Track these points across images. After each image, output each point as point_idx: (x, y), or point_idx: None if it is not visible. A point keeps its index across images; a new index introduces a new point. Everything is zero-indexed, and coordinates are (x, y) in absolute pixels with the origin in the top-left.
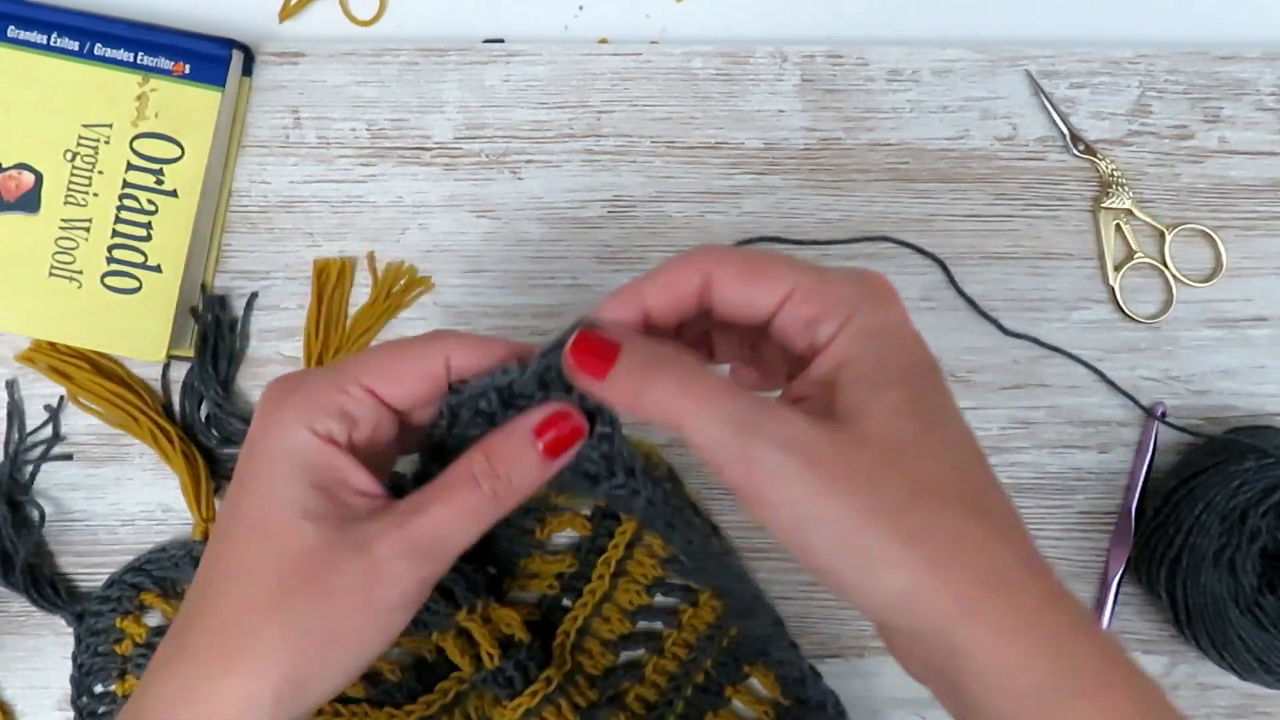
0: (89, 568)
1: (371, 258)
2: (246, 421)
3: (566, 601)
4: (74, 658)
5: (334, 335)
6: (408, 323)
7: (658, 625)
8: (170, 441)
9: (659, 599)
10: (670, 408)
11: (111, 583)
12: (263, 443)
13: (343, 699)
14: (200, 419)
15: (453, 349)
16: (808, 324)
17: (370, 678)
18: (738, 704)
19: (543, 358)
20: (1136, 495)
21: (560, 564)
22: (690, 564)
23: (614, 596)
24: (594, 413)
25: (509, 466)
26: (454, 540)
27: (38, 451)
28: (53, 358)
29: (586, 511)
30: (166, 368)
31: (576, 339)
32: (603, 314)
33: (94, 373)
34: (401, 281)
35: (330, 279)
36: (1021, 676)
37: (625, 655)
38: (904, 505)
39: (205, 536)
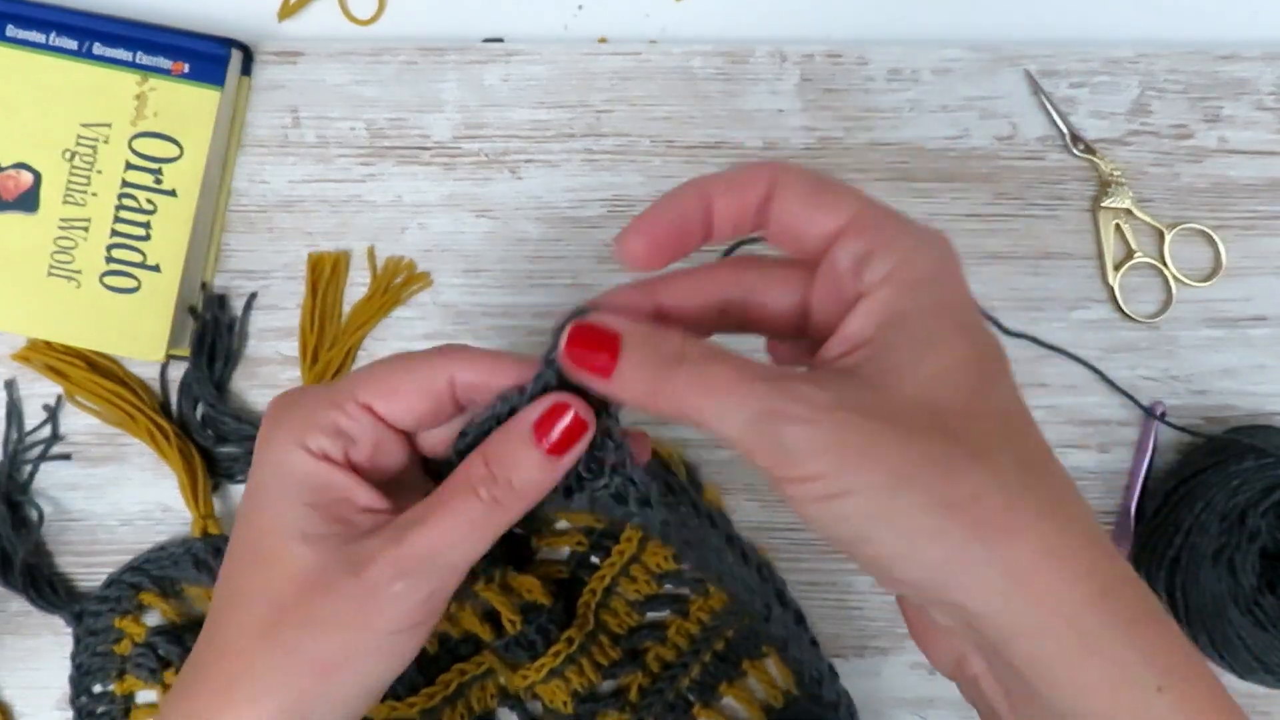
0: (88, 567)
1: (371, 252)
2: (240, 420)
3: (595, 559)
4: (73, 657)
5: (329, 329)
6: (405, 321)
7: (685, 591)
8: (167, 439)
9: (687, 567)
10: (687, 404)
11: (110, 582)
12: (259, 465)
13: None
14: (196, 418)
15: (457, 366)
16: (860, 260)
17: None
18: (753, 680)
19: (539, 377)
20: (1136, 495)
21: (589, 518)
22: (703, 574)
23: (642, 558)
24: (601, 404)
25: (508, 469)
26: (455, 554)
27: (36, 451)
28: (49, 356)
29: None
30: (165, 367)
31: (571, 333)
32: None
33: (91, 371)
34: (400, 277)
35: (325, 272)
36: (1090, 666)
37: (650, 615)
38: (947, 469)
39: (204, 534)
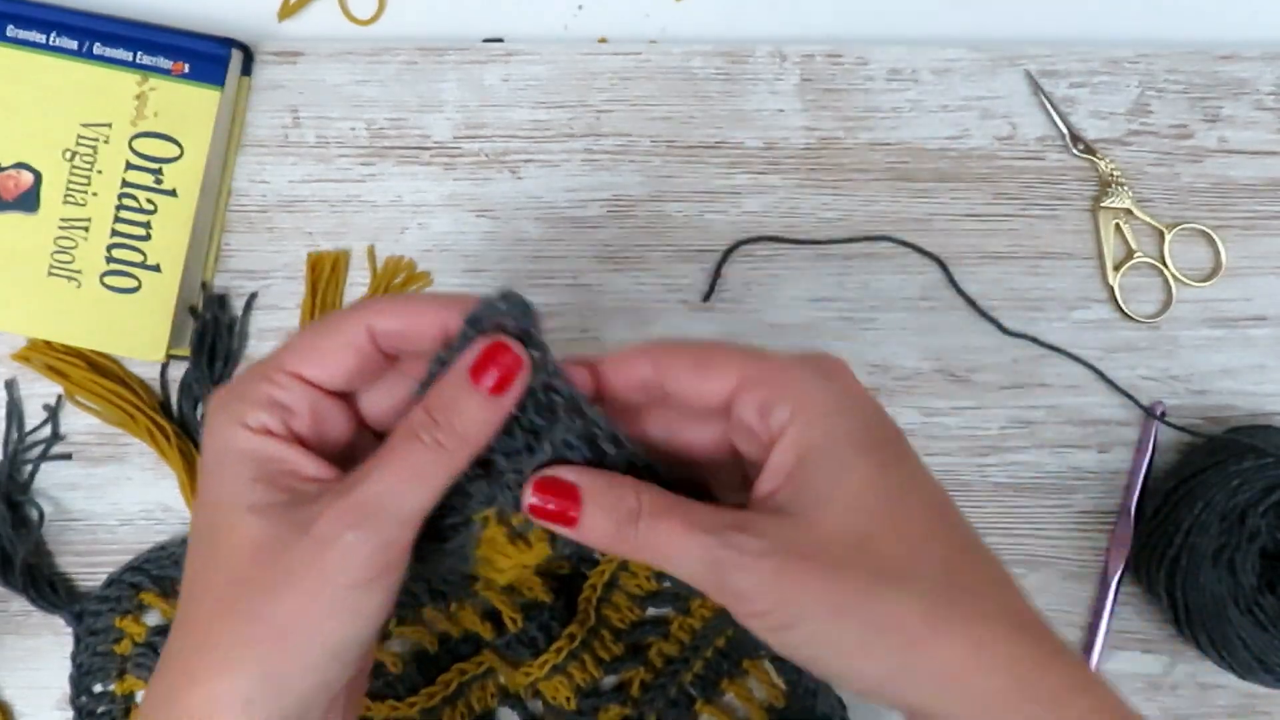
0: (88, 567)
1: (371, 251)
2: None
3: (597, 554)
4: (73, 657)
5: None
6: None
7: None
8: (167, 439)
9: None
10: (645, 555)
11: (110, 582)
12: (205, 450)
13: None
14: (197, 418)
15: (373, 316)
16: (761, 410)
17: (373, 670)
18: (754, 680)
19: (463, 334)
20: (1136, 495)
21: None
22: None
23: None
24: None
25: (450, 414)
26: (404, 502)
27: (37, 451)
28: (49, 356)
29: None
30: (165, 367)
31: (535, 485)
32: (568, 370)
33: (91, 371)
34: (400, 276)
35: (325, 272)
36: None
37: (652, 611)
38: (870, 595)
39: None
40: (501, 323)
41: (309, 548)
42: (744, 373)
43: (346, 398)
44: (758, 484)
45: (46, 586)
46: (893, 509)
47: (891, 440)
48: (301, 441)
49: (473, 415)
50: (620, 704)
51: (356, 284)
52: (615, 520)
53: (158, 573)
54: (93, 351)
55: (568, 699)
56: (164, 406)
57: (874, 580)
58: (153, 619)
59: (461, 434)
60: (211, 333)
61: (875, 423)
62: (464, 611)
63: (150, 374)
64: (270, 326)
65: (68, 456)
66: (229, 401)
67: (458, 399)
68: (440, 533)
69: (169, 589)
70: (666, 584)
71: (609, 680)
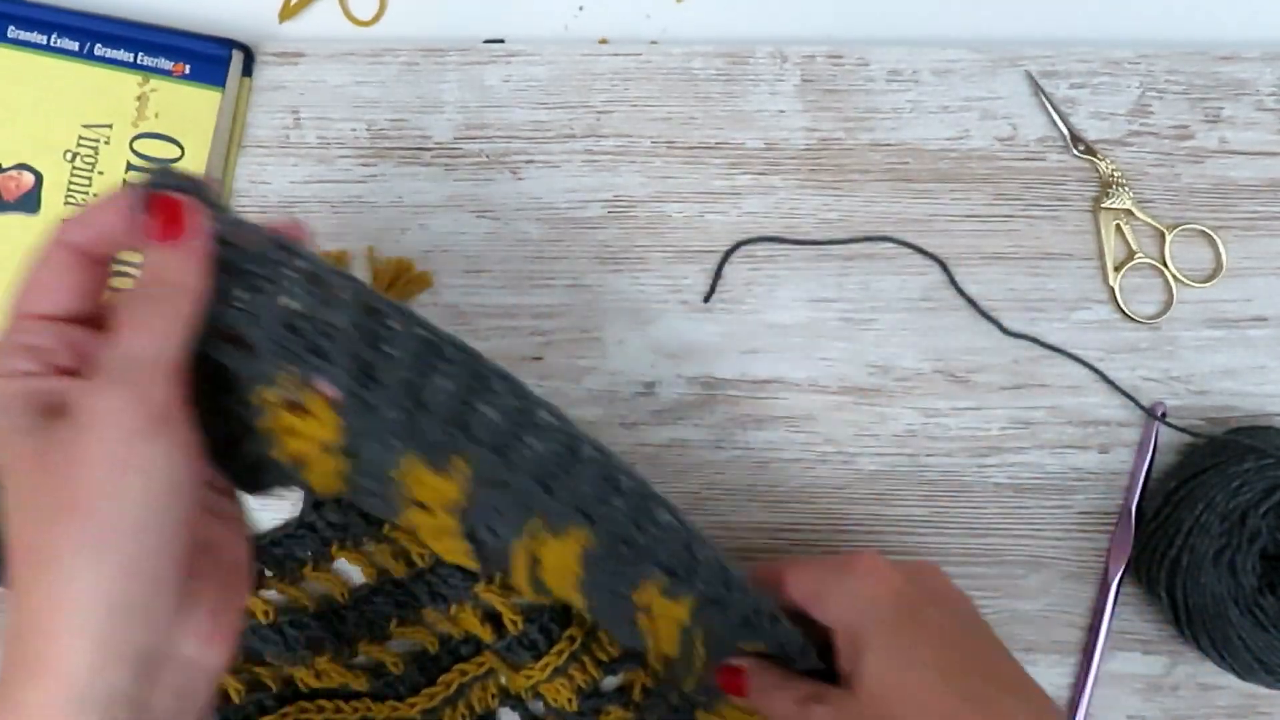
0: None
1: (370, 251)
2: None
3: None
4: None
5: None
6: None
7: None
8: None
9: None
10: (770, 704)
11: None
12: None
13: (345, 694)
14: None
15: (70, 235)
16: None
17: (374, 671)
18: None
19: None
20: (1136, 495)
21: None
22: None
23: None
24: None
25: (159, 275)
26: (144, 354)
27: None
28: None
29: None
30: None
31: (725, 676)
32: None
33: None
34: (401, 277)
35: None
36: None
37: None
38: None
39: None
40: (165, 185)
41: (72, 423)
42: (798, 586)
43: (96, 321)
44: (838, 662)
45: None
46: (900, 681)
47: (890, 624)
48: (70, 372)
49: (173, 264)
50: (622, 706)
51: None
52: (762, 691)
53: None
54: None
55: (569, 700)
56: None
57: None
58: None
59: (170, 281)
60: None
61: (883, 609)
62: (464, 613)
63: None
64: None
65: None
66: None
67: (153, 260)
68: (230, 426)
69: None
70: None
71: (610, 681)
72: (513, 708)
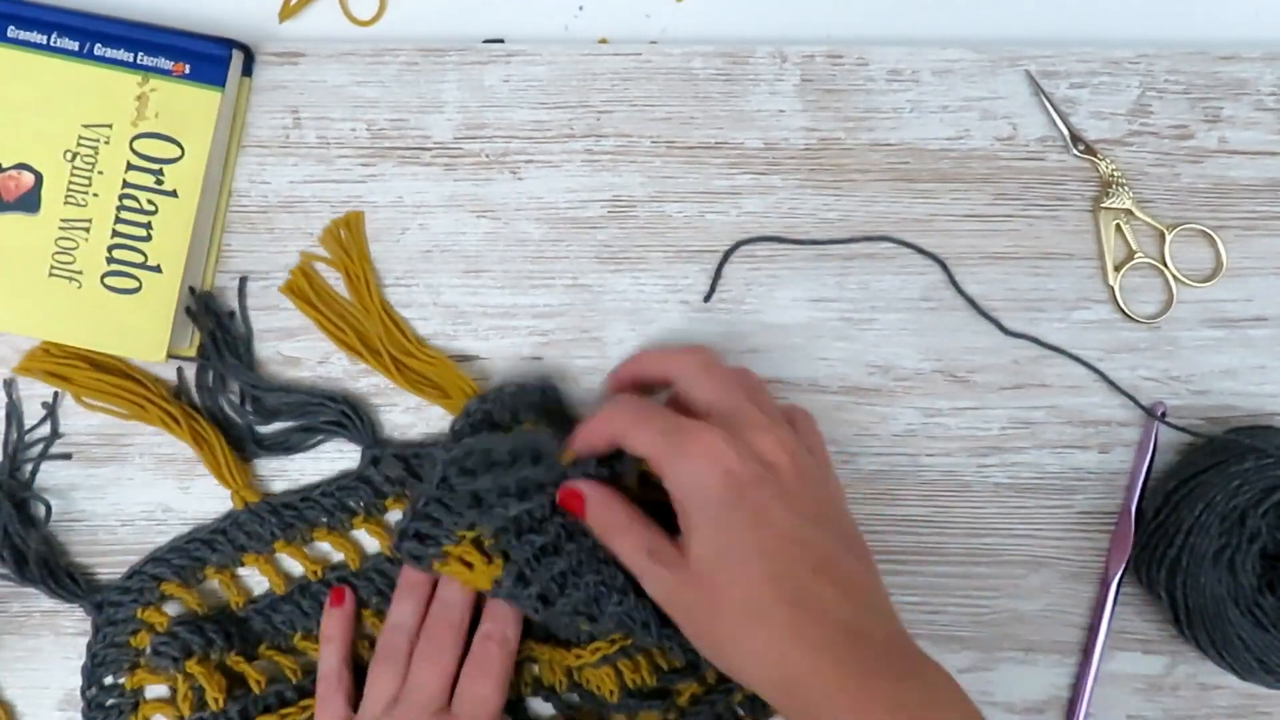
0: (88, 568)
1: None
2: (290, 391)
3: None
4: (89, 647)
5: (362, 287)
6: (405, 321)
7: None
8: (177, 422)
9: None
10: (612, 544)
11: (132, 574)
12: None
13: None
14: (222, 408)
15: None
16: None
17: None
18: None
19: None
20: (1136, 495)
21: None
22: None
23: None
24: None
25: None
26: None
27: (36, 450)
28: (48, 363)
29: None
30: (180, 369)
31: (562, 495)
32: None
33: (93, 370)
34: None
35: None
36: (838, 702)
37: None
38: (708, 618)
39: (245, 505)
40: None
41: None
42: (649, 455)
43: None
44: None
45: (66, 577)
46: (722, 554)
47: (732, 505)
48: None
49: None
50: (663, 711)
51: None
52: (597, 516)
53: (179, 563)
54: (93, 352)
55: (611, 692)
56: (176, 395)
57: (709, 606)
58: (173, 609)
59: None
60: (215, 328)
61: (724, 489)
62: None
63: (153, 374)
64: (271, 327)
65: (67, 456)
66: None
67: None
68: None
69: (190, 579)
70: None
71: (658, 685)
72: (545, 698)
